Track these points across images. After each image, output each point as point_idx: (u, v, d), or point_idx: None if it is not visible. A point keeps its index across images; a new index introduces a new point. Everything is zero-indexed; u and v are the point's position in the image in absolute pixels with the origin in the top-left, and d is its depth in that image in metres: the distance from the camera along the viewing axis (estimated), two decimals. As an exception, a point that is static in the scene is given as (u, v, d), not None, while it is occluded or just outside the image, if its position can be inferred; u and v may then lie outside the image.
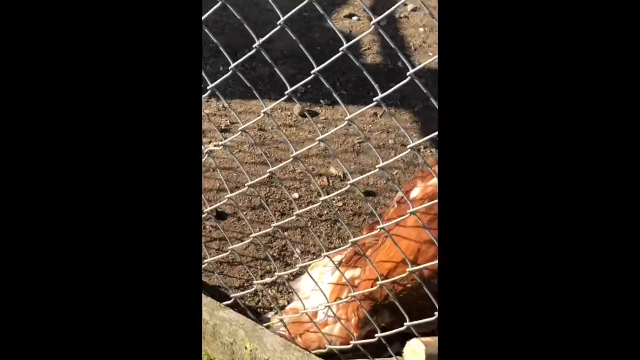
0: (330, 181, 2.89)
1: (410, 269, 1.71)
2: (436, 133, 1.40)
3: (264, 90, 3.34)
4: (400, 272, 1.83)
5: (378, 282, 1.86)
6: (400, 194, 1.61)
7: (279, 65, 3.43)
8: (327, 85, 1.68)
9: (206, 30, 1.76)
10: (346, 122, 1.71)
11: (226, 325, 2.16)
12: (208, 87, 1.98)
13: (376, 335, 1.91)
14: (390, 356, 1.94)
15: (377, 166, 1.65)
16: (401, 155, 1.71)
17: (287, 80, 1.78)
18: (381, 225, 1.78)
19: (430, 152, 3.02)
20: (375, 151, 1.78)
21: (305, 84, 3.17)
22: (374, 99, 1.57)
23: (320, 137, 1.75)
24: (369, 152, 3.01)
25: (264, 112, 1.93)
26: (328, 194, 2.82)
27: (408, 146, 1.54)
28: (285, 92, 1.79)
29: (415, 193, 2.06)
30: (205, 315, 2.19)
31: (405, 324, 1.82)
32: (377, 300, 2.02)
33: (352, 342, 1.99)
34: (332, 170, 2.94)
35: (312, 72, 1.66)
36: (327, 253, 1.99)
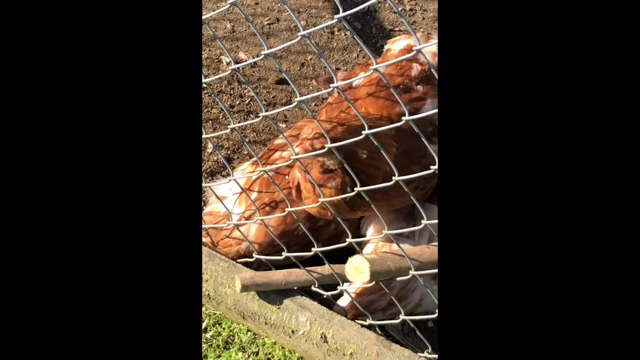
0: (240, 68, 2.68)
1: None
2: (352, 11, 1.29)
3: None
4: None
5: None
6: (339, 83, 1.42)
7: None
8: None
9: None
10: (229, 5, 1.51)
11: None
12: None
13: (313, 249, 1.79)
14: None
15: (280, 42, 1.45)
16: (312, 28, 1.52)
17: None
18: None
19: (345, 34, 2.83)
20: (286, 34, 1.59)
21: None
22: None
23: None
24: (280, 34, 2.79)
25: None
26: (239, 82, 2.61)
27: (321, 26, 1.35)
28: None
29: (359, 81, 1.89)
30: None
31: (348, 240, 1.70)
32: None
33: (284, 255, 1.85)
34: (242, 55, 2.72)
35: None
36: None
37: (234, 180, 1.89)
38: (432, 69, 1.28)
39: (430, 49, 1.94)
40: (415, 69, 1.87)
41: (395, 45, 2.05)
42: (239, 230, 1.93)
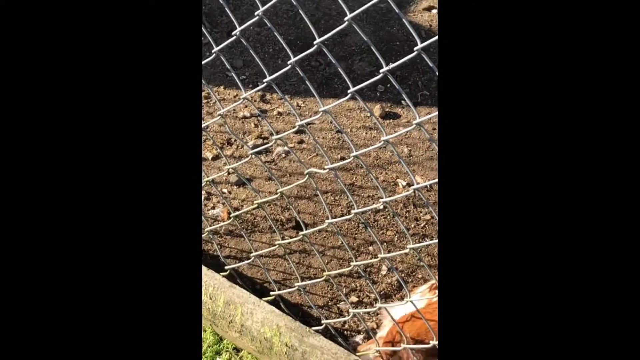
0: (417, 191, 2.66)
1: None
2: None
3: (340, 89, 3.11)
4: None
5: None
6: None
7: (355, 62, 3.24)
8: (397, 86, 1.50)
9: (268, 23, 1.59)
10: (414, 125, 1.53)
11: (317, 353, 1.96)
12: (264, 80, 1.86)
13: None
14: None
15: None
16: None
17: (363, 78, 1.60)
18: None
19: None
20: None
21: (386, 83, 2.96)
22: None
23: (385, 137, 1.60)
24: (457, 157, 2.77)
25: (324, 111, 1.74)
26: (414, 205, 2.60)
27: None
28: (347, 92, 1.67)
29: None
30: (294, 341, 2.00)
31: None
32: None
33: None
34: (418, 178, 2.72)
35: (381, 71, 1.48)
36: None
37: (411, 302, 1.84)
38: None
39: None
40: None
41: None
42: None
